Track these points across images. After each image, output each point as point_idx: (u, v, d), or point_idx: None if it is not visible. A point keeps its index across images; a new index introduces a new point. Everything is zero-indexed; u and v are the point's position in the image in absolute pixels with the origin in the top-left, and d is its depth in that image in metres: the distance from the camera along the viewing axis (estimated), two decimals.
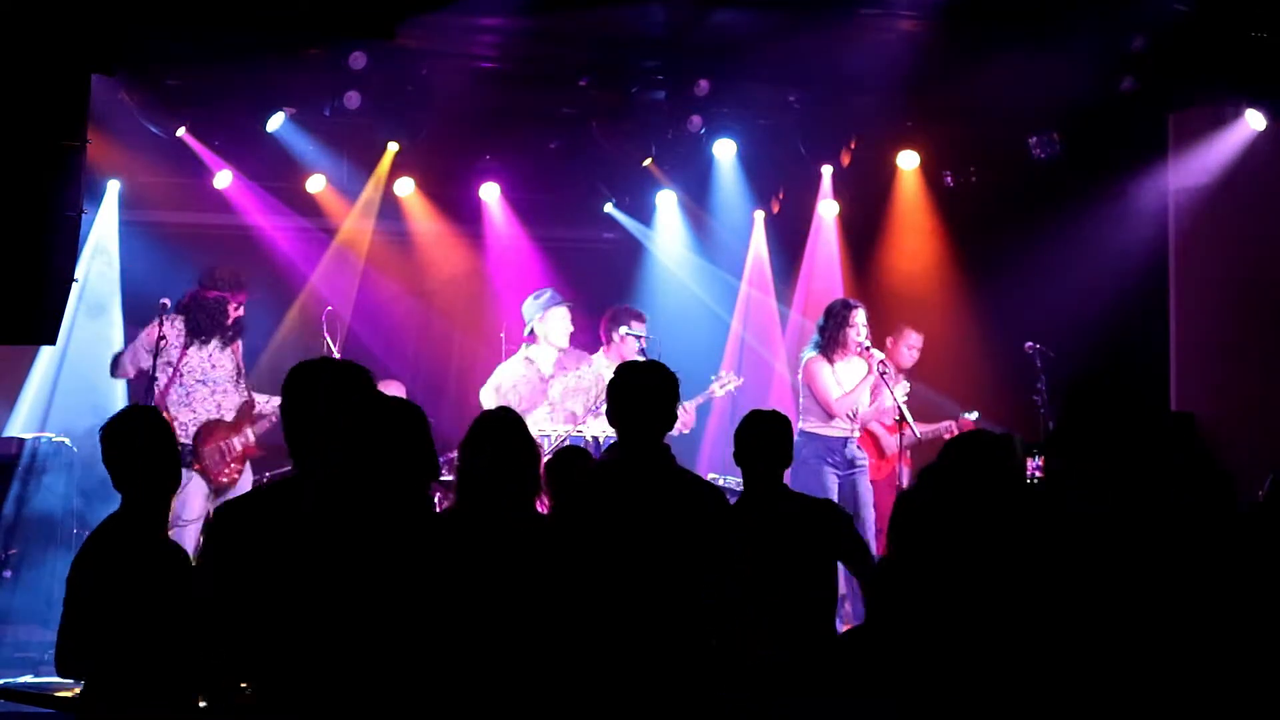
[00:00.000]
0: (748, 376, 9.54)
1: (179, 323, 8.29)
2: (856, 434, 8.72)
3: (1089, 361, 9.29)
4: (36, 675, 7.25)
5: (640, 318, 9.00)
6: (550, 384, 8.78)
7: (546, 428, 8.54)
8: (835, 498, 8.17)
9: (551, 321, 8.87)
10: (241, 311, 8.46)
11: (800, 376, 8.77)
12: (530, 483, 4.24)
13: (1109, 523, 4.10)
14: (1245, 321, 9.20)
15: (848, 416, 8.59)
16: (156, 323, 8.17)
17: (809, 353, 8.72)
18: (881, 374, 8.54)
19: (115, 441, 4.26)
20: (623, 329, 8.92)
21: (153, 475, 4.22)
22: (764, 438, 5.40)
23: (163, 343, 8.15)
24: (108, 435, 4.28)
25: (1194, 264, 9.49)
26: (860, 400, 8.62)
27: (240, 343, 8.49)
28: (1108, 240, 9.60)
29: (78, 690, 4.27)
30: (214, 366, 8.29)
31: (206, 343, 8.29)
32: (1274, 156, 9.14)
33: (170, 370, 8.17)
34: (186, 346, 8.24)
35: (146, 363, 8.16)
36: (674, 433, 8.87)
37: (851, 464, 8.57)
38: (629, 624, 4.30)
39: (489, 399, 8.73)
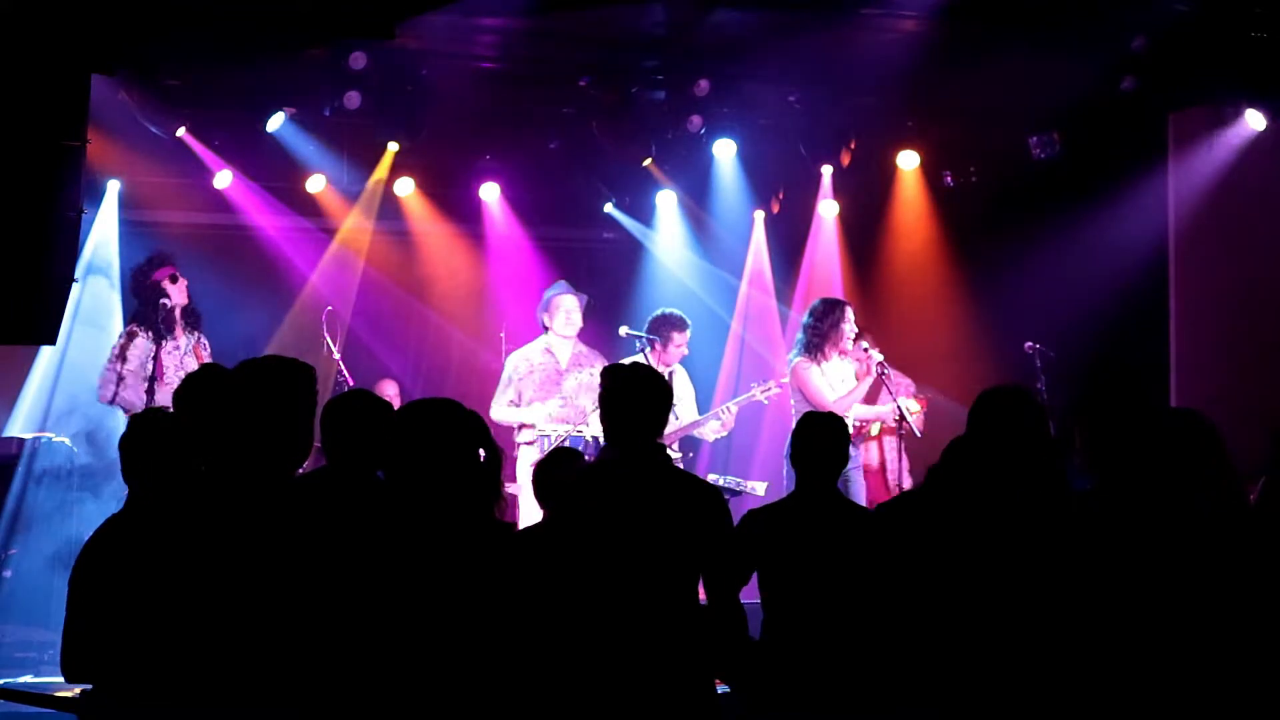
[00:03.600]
0: (747, 377, 9.52)
1: (140, 327, 8.34)
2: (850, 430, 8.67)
3: (1089, 361, 9.29)
4: (36, 675, 7.25)
5: (673, 325, 8.87)
6: (566, 376, 8.78)
7: (548, 428, 8.54)
8: None
9: (554, 309, 8.88)
10: (184, 299, 8.43)
11: (789, 381, 8.72)
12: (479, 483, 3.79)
13: (1117, 516, 4.12)
14: (1245, 321, 9.20)
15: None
16: (121, 342, 8.27)
17: (796, 356, 8.67)
18: (881, 374, 8.52)
19: (125, 440, 4.33)
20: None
21: (152, 475, 4.25)
22: (816, 440, 5.13)
23: (134, 349, 8.21)
24: (125, 433, 4.36)
25: (1194, 264, 9.49)
26: (858, 400, 8.60)
27: (203, 339, 8.50)
28: (1108, 240, 9.59)
29: (78, 690, 4.26)
30: (180, 365, 8.28)
31: (170, 337, 8.31)
32: (1274, 156, 9.14)
33: (150, 370, 8.19)
34: (158, 344, 8.24)
35: (129, 377, 8.20)
36: (714, 435, 8.92)
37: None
38: (625, 625, 4.30)
39: (501, 390, 8.82)
